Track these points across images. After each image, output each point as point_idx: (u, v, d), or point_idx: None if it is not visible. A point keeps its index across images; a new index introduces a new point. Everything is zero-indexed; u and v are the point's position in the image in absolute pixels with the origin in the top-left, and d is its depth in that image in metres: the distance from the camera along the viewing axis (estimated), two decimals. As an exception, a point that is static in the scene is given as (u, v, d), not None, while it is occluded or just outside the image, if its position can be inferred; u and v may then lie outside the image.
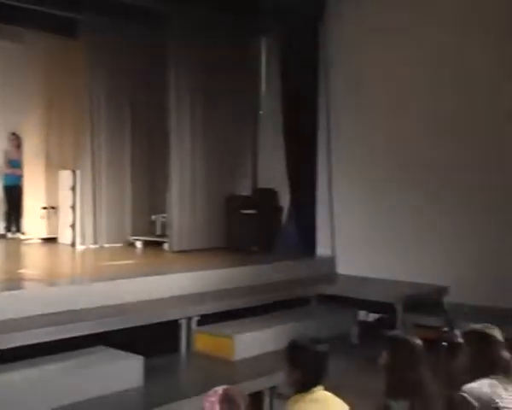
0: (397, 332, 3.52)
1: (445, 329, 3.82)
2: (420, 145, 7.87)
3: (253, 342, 6.11)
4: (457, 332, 3.60)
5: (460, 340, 3.47)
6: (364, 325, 7.35)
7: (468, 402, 3.16)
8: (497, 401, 3.14)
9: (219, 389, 2.98)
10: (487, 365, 3.28)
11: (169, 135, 8.71)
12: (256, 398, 5.25)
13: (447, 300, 7.37)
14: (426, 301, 7.36)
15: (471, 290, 7.19)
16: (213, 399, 2.97)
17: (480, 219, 7.41)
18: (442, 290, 7.47)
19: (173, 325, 6.05)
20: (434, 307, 7.12)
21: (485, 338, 3.33)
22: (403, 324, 6.77)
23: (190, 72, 8.71)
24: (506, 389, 3.22)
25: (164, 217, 9.28)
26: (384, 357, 3.28)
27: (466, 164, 7.54)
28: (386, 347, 3.31)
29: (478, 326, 3.41)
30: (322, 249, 8.77)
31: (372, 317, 7.62)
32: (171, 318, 6.02)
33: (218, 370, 5.58)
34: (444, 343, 3.59)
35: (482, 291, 7.13)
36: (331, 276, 8.39)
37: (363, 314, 7.61)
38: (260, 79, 9.40)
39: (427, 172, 7.82)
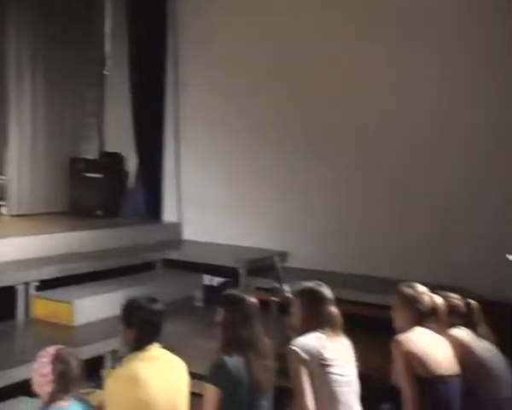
0: (232, 290, 3.62)
1: (276, 285, 3.98)
2: (269, 106, 7.97)
3: (95, 306, 6.00)
4: (287, 288, 3.78)
5: (290, 295, 3.64)
6: (209, 290, 7.47)
7: (298, 355, 3.34)
8: (323, 352, 3.35)
9: (51, 350, 2.93)
10: (316, 319, 3.47)
11: (7, 91, 8.24)
12: (97, 362, 5.19)
13: (289, 264, 7.64)
14: (268, 265, 7.59)
15: (312, 256, 7.55)
16: (45, 359, 2.92)
17: (326, 186, 7.71)
18: (283, 255, 7.73)
19: (10, 291, 5.80)
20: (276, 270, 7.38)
21: (315, 294, 3.53)
22: (245, 287, 6.96)
23: (31, 28, 8.24)
24: (332, 342, 3.43)
25: (1, 179, 8.80)
26: (219, 314, 3.37)
27: (312, 129, 7.75)
28: (222, 304, 3.40)
29: (308, 284, 3.60)
30: (168, 215, 8.76)
31: (217, 281, 7.75)
32: (7, 283, 5.76)
33: (57, 335, 5.41)
34: (274, 298, 3.75)
35: (322, 257, 7.50)
36: (177, 241, 8.42)
37: (208, 279, 7.73)
38: (106, 37, 9.11)
39: (276, 136, 7.98)
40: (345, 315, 3.64)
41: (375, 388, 3.94)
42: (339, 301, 3.67)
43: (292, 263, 7.66)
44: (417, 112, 7.10)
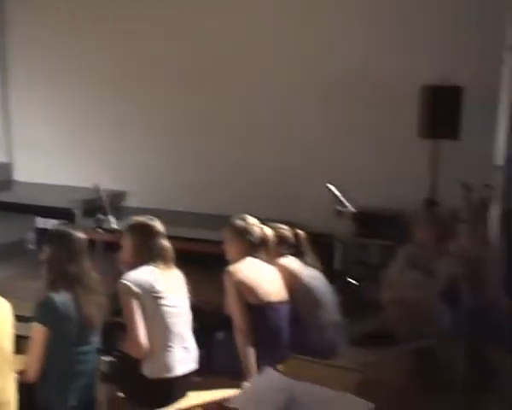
0: (58, 227, 3.50)
1: (102, 217, 3.91)
2: (104, 43, 7.66)
3: None
4: (114, 220, 3.72)
5: (116, 227, 3.59)
6: (43, 232, 7.19)
7: (130, 289, 3.31)
8: (155, 285, 3.35)
9: None
10: (148, 253, 3.45)
11: None
12: None
13: (129, 204, 7.55)
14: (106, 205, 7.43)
15: (150, 195, 7.49)
16: None
17: (161, 123, 7.62)
18: (121, 195, 7.63)
19: None
20: (115, 210, 7.25)
21: (146, 228, 3.50)
22: (80, 227, 6.76)
23: None
24: (164, 275, 3.44)
25: None
26: (45, 251, 3.25)
27: (146, 66, 7.58)
28: (48, 242, 3.28)
29: (140, 218, 3.56)
30: (-3, 155, 8.28)
31: (51, 223, 7.48)
32: None
33: None
34: (100, 231, 3.69)
35: (160, 196, 7.46)
36: (7, 182, 8.00)
37: (42, 221, 7.44)
38: None
39: (110, 71, 7.70)
40: (181, 252, 3.64)
41: (209, 319, 4.02)
42: (175, 239, 3.67)
43: (131, 202, 7.59)
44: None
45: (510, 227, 5.54)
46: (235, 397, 3.02)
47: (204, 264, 5.31)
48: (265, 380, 3.13)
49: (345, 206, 4.79)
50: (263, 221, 4.02)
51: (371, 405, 2.69)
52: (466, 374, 3.64)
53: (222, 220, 4.08)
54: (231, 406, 2.95)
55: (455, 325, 3.91)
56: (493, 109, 5.52)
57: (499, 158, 5.50)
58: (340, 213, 4.78)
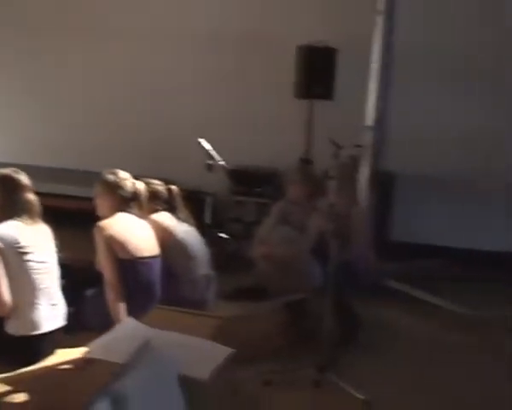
0: None
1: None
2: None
3: None
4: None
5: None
6: None
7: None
8: (20, 240, 3.21)
9: None
10: (12, 207, 3.30)
11: None
12: None
13: (36, 163, 7.21)
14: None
15: (15, 149, 7.19)
16: None
17: (30, 75, 7.30)
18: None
19: None
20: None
21: (10, 181, 3.34)
22: None
23: None
24: (30, 229, 3.30)
25: None
26: None
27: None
28: None
29: (4, 171, 3.39)
30: None
31: None
32: None
33: None
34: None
35: (27, 150, 7.18)
36: None
37: None
38: None
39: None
40: (51, 208, 3.51)
41: (79, 276, 3.93)
42: (45, 195, 3.54)
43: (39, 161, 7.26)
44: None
45: (378, 187, 5.81)
46: (90, 347, 2.98)
47: (75, 221, 5.16)
48: (122, 329, 3.13)
49: (216, 160, 4.81)
50: (136, 177, 3.96)
51: (231, 350, 2.75)
52: (333, 327, 3.79)
53: (93, 176, 3.97)
54: (88, 356, 2.91)
55: (324, 280, 4.05)
56: (365, 71, 5.71)
57: (369, 119, 5.72)
58: (210, 167, 4.80)
